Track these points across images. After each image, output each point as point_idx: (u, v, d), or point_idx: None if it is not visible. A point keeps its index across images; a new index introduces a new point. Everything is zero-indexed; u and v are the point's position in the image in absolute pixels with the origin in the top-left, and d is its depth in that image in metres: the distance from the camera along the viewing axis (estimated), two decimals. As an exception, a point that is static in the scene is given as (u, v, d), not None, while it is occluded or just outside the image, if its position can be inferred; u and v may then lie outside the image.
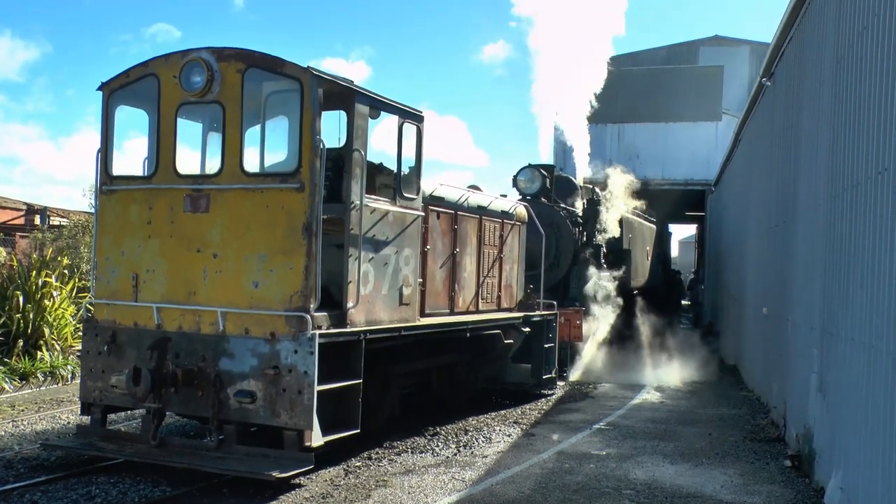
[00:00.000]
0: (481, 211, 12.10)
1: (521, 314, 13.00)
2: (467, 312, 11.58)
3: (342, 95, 8.44)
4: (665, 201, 31.02)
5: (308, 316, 7.68)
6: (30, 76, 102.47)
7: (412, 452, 9.33)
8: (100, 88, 8.85)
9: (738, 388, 15.92)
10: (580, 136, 21.28)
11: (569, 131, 20.98)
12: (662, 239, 28.72)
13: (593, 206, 18.86)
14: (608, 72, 21.38)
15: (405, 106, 9.28)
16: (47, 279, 15.19)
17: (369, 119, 8.65)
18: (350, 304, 8.27)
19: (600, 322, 17.77)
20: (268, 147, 9.52)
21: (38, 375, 13.69)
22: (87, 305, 9.22)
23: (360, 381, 8.32)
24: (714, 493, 7.94)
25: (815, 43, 9.37)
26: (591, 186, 20.30)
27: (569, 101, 20.05)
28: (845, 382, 7.10)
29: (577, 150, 21.54)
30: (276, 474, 7.28)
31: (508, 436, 10.51)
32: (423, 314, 10.11)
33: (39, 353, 14.30)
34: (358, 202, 8.28)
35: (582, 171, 21.74)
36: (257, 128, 9.52)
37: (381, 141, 9.81)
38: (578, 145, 21.45)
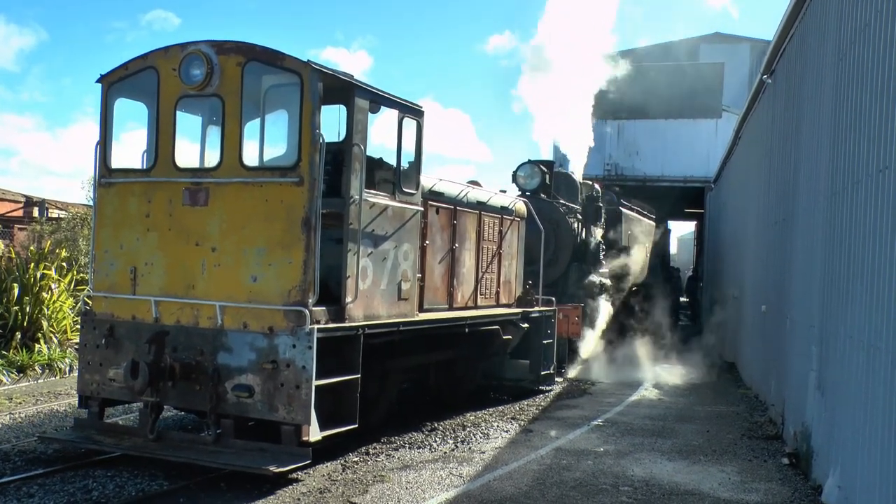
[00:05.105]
0: (480, 206, 12.08)
1: (519, 310, 12.99)
2: (466, 308, 11.57)
3: (342, 89, 8.41)
4: (664, 198, 31.00)
5: (306, 310, 7.66)
6: (25, 65, 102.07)
7: (410, 448, 9.32)
8: (99, 81, 8.83)
9: (737, 385, 15.94)
10: (581, 136, 21.23)
11: (568, 137, 20.95)
12: (662, 236, 28.72)
13: (592, 203, 18.84)
14: (609, 68, 21.35)
15: (405, 100, 9.26)
16: (45, 272, 15.17)
17: (369, 113, 8.63)
18: (349, 299, 8.26)
19: (599, 318, 17.77)
20: (267, 141, 9.52)
21: (36, 368, 13.68)
22: (85, 298, 9.20)
23: (358, 376, 8.31)
24: (711, 491, 7.94)
25: (817, 40, 9.35)
26: (590, 183, 20.28)
27: (569, 111, 20.03)
28: (844, 381, 7.10)
29: (577, 151, 21.49)
30: (273, 469, 7.28)
31: (506, 432, 10.51)
32: (421, 309, 10.11)
33: (37, 346, 14.29)
34: (357, 197, 8.27)
35: (580, 167, 21.70)
36: (257, 121, 9.52)
37: (381, 135, 9.76)
38: (578, 146, 21.40)
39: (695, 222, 45.72)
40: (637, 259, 22.19)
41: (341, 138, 8.87)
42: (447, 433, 10.18)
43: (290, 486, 7.53)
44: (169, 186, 8.33)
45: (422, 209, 9.80)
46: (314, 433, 7.62)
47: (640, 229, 23.23)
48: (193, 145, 9.17)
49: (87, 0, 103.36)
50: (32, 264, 15.10)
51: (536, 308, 13.61)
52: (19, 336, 14.19)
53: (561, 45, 19.49)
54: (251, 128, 9.25)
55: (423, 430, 10.30)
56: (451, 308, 11.14)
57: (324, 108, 8.02)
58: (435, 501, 7.25)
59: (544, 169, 17.53)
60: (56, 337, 14.90)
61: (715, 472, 8.69)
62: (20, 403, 11.35)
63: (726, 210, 23.69)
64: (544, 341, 13.79)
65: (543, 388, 14.16)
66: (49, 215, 28.64)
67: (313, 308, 7.77)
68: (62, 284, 15.56)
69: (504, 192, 14.51)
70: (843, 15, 7.78)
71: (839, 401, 7.31)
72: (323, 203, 7.88)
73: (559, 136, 20.88)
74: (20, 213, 31.12)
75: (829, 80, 8.39)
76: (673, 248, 43.81)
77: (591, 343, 17.46)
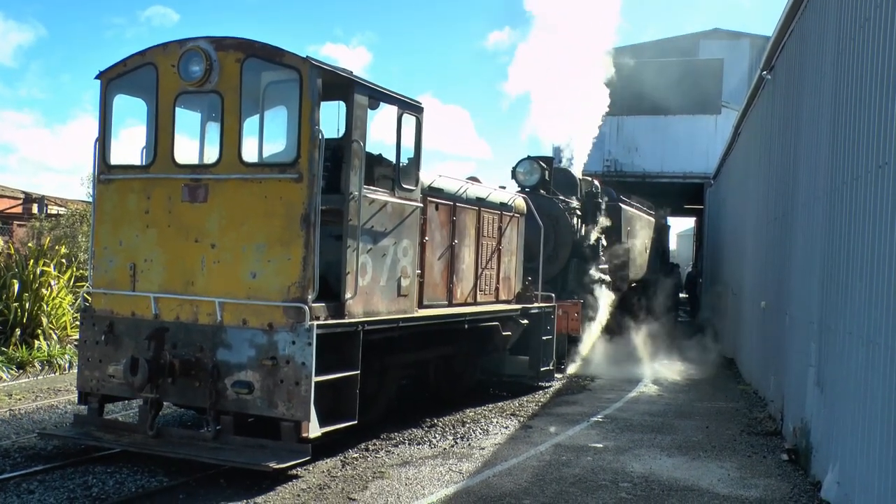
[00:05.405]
0: (480, 202, 12.07)
1: (519, 306, 12.99)
2: (465, 304, 11.57)
3: (341, 86, 8.41)
4: (664, 194, 31.02)
5: (306, 307, 7.66)
6: (24, 61, 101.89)
7: (409, 444, 9.33)
8: (98, 77, 8.82)
9: (736, 381, 15.95)
10: (580, 132, 21.23)
11: (568, 132, 20.96)
12: (661, 232, 28.73)
13: (592, 199, 18.83)
14: (608, 64, 21.34)
15: (404, 97, 9.25)
16: (45, 268, 15.17)
17: (368, 110, 8.62)
18: (348, 295, 8.26)
19: (598, 315, 17.77)
20: (266, 137, 9.50)
21: (36, 364, 13.67)
22: (85, 295, 9.20)
23: (358, 372, 8.31)
24: (711, 487, 7.95)
25: (816, 35, 9.34)
26: (590, 179, 20.27)
27: (568, 106, 20.02)
28: (843, 377, 7.10)
29: (577, 146, 21.49)
30: (273, 465, 7.28)
31: (506, 428, 10.51)
32: (421, 305, 10.11)
33: (37, 342, 14.30)
34: (357, 193, 8.26)
35: (580, 163, 21.71)
36: (256, 118, 9.49)
37: (380, 131, 9.78)
38: (578, 142, 21.40)
39: (694, 218, 45.74)
40: (636, 255, 22.21)
41: (340, 134, 8.86)
42: (447, 429, 10.19)
43: (290, 483, 7.54)
44: (168, 183, 8.32)
45: (421, 205, 9.80)
46: (314, 429, 7.63)
47: (639, 225, 23.23)
48: (192, 141, 9.16)
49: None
50: (32, 261, 15.09)
51: (536, 304, 13.61)
52: (19, 332, 14.20)
53: (561, 41, 19.46)
54: (250, 124, 9.22)
55: (423, 426, 10.31)
56: (450, 304, 11.14)
57: (323, 104, 8.01)
58: (434, 497, 7.26)
59: (543, 165, 17.53)
60: (55, 333, 14.91)
61: (714, 468, 8.70)
62: (20, 400, 11.35)
63: (726, 206, 23.69)
64: (544, 337, 13.79)
65: (543, 384, 14.17)
66: (48, 212, 28.63)
67: (313, 304, 7.77)
68: (61, 281, 15.55)
69: (503, 188, 14.51)
70: (843, 10, 7.77)
71: (838, 397, 7.31)
72: (322, 199, 7.88)
73: (558, 133, 20.89)
74: (19, 209, 31.10)
75: (828, 75, 8.38)
76: (672, 244, 43.84)
77: (590, 339, 17.46)
